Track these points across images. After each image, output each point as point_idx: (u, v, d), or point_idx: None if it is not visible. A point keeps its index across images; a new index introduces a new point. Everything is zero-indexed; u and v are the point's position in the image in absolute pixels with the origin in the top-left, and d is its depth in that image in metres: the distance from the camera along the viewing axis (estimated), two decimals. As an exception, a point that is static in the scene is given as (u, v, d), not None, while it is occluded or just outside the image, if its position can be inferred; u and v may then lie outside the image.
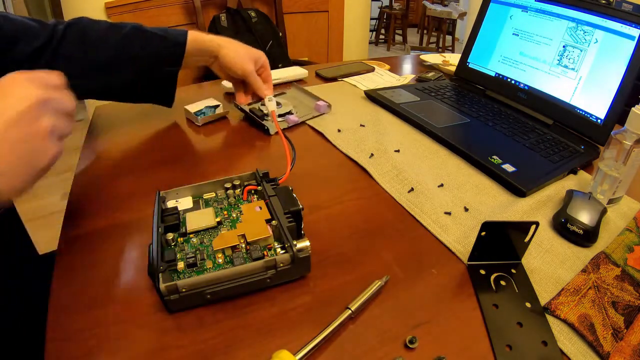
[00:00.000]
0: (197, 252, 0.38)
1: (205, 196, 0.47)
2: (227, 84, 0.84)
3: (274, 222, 0.40)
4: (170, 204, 0.45)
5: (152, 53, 0.61)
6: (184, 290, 0.34)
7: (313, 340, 0.32)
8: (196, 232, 0.41)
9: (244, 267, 0.36)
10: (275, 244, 0.39)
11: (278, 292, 0.38)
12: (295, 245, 0.37)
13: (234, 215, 0.43)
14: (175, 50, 0.62)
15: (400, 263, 0.42)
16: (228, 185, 0.47)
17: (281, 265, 0.37)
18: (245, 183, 0.47)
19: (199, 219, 0.42)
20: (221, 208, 0.45)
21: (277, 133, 0.67)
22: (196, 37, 0.63)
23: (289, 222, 0.39)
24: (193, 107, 0.71)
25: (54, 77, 0.39)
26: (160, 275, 0.34)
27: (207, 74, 1.88)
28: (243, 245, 0.39)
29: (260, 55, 0.69)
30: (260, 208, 0.43)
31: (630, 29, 0.61)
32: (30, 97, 0.35)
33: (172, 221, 0.41)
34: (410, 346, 0.33)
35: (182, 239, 0.40)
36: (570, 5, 0.69)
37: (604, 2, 0.65)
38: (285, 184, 0.46)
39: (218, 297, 0.36)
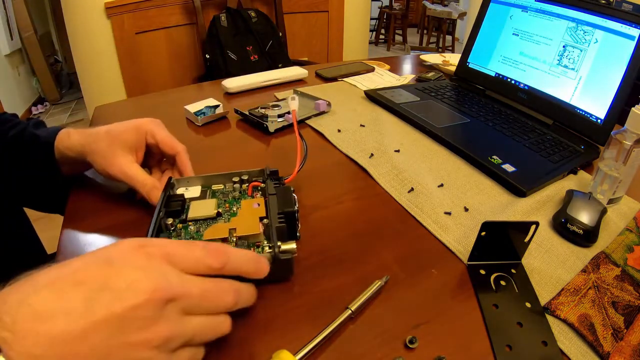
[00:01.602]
0: (191, 239, 0.39)
1: (214, 187, 0.47)
2: (227, 84, 0.84)
3: (265, 220, 0.40)
4: (179, 191, 0.46)
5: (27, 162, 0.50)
6: None
7: (313, 340, 0.32)
8: (195, 221, 0.42)
9: None
10: (265, 243, 0.39)
11: (278, 292, 0.38)
12: (279, 246, 0.37)
13: (235, 209, 0.44)
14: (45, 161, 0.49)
15: (400, 263, 0.42)
16: (236, 179, 0.47)
17: None
18: (253, 179, 0.48)
19: (201, 208, 0.43)
20: (225, 200, 0.45)
21: (277, 131, 0.68)
22: (62, 140, 0.48)
23: (279, 223, 0.39)
24: (193, 107, 0.71)
25: (207, 259, 0.28)
26: None
27: (207, 74, 1.88)
28: (234, 239, 0.39)
29: (140, 126, 0.49)
30: (259, 205, 0.43)
31: (630, 29, 0.61)
32: (148, 287, 0.24)
33: (176, 207, 0.42)
34: (410, 346, 0.33)
35: (181, 225, 0.41)
36: (570, 5, 0.69)
37: (604, 2, 0.65)
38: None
39: None
